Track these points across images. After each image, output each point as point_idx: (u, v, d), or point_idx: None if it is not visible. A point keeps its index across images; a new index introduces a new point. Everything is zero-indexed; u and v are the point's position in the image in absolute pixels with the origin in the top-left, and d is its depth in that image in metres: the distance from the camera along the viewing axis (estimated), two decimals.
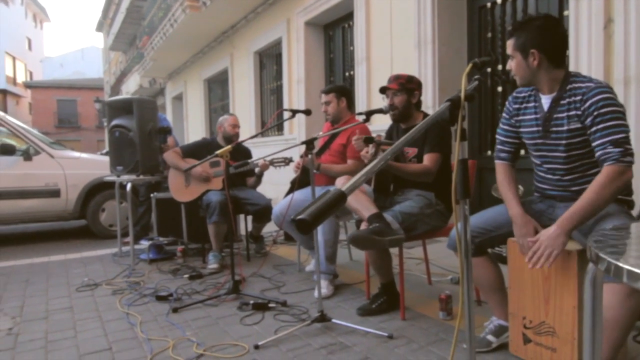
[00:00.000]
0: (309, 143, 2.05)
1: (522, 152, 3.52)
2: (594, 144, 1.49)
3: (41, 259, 3.84)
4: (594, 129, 1.48)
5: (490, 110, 3.90)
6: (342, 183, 2.27)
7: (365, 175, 0.69)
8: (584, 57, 2.85)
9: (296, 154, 5.35)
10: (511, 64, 1.62)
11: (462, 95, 0.88)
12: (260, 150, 5.55)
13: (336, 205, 0.61)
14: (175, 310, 2.40)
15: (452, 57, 4.03)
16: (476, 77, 1.03)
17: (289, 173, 3.84)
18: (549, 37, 1.56)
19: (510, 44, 1.60)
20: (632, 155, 1.45)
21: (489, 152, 3.91)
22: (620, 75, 2.70)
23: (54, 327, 2.25)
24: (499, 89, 3.82)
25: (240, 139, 3.44)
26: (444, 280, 2.76)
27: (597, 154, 1.48)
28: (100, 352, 1.95)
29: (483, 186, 3.89)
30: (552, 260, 1.47)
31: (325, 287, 2.55)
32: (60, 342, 2.07)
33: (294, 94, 6.27)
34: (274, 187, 6.09)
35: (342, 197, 0.62)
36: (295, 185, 2.82)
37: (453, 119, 0.88)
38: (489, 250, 1.83)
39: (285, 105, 6.40)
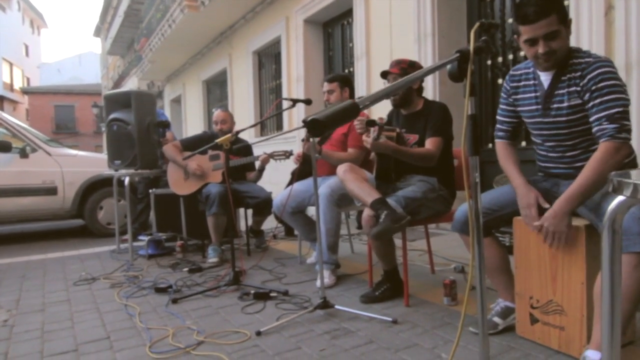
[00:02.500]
0: None
1: (524, 143, 3.56)
2: (591, 119, 1.47)
3: (38, 256, 3.79)
4: (590, 104, 1.46)
5: (490, 103, 3.88)
6: (343, 170, 2.24)
7: (386, 92, 0.66)
8: (584, 44, 2.83)
9: (296, 146, 5.30)
10: (551, 44, 1.48)
11: (471, 48, 0.86)
12: (260, 149, 5.52)
13: (348, 113, 0.58)
14: (174, 301, 2.36)
15: (452, 50, 3.99)
16: (483, 38, 1.00)
17: (288, 170, 3.83)
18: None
19: (552, 19, 1.44)
20: (628, 131, 1.42)
21: (490, 145, 3.89)
22: (621, 61, 2.69)
23: (51, 319, 2.20)
24: (499, 81, 3.80)
25: (241, 135, 3.41)
26: (448, 269, 2.73)
27: (594, 129, 1.46)
28: (98, 341, 1.91)
29: (484, 179, 3.87)
30: (564, 241, 1.48)
31: (327, 277, 2.51)
32: (56, 333, 2.02)
33: (294, 92, 6.25)
34: (274, 186, 6.05)
35: (354, 106, 0.59)
36: (295, 176, 2.80)
37: (462, 73, 0.85)
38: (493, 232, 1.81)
39: (285, 104, 6.39)
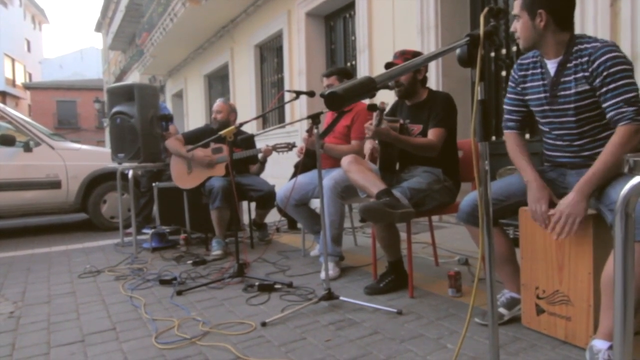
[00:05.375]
0: (315, 117, 2.01)
1: (527, 136, 3.54)
2: (605, 104, 1.46)
3: (42, 250, 3.81)
4: (604, 89, 1.45)
5: (494, 95, 3.86)
6: (348, 162, 2.23)
7: (401, 70, 0.65)
8: (590, 34, 2.81)
9: (299, 140, 5.31)
10: (516, 25, 1.58)
11: (481, 32, 0.85)
12: (262, 142, 5.51)
13: (365, 87, 0.57)
14: (179, 292, 2.36)
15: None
16: (492, 23, 0.99)
17: (291, 164, 3.83)
18: None
19: (517, 3, 1.56)
20: None
21: (494, 138, 3.88)
22: (627, 52, 2.66)
23: (56, 310, 2.21)
24: (503, 73, 3.78)
25: (243, 127, 3.40)
26: (451, 261, 2.73)
27: (610, 114, 1.45)
28: (104, 332, 1.92)
29: (489, 141, 3.85)
30: (576, 227, 1.45)
31: (331, 269, 2.51)
32: (62, 324, 2.03)
33: (296, 86, 6.24)
34: (276, 179, 6.05)
35: (371, 81, 0.59)
36: (299, 168, 2.79)
37: (472, 58, 0.84)
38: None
39: (288, 96, 6.37)
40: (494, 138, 3.87)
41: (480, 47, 0.85)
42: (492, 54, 3.85)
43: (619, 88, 1.42)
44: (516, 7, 1.57)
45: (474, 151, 0.92)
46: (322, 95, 0.60)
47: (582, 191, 1.44)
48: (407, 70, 0.75)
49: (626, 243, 0.68)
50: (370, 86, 0.58)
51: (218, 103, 3.59)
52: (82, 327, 1.98)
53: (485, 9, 0.96)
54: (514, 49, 3.68)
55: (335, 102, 0.59)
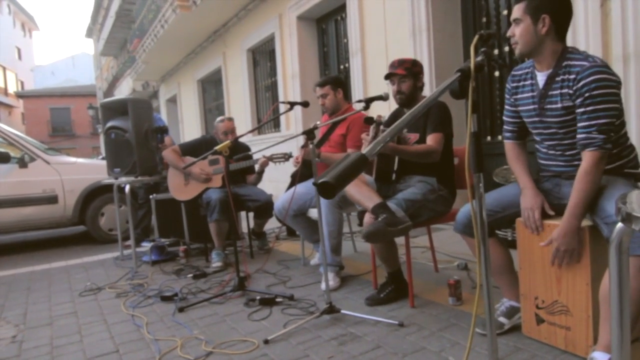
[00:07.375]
0: (309, 133, 2.02)
1: None
2: (579, 124, 1.48)
3: (42, 266, 3.79)
4: (582, 109, 1.46)
5: (488, 96, 3.87)
6: None
7: (384, 141, 0.66)
8: (581, 35, 2.82)
9: (295, 148, 5.30)
10: (514, 30, 1.56)
11: (472, 65, 0.85)
12: (257, 148, 5.51)
13: (358, 168, 0.58)
14: (181, 309, 2.37)
15: (448, 43, 4.01)
16: (482, 49, 1.00)
17: (288, 170, 3.82)
18: (563, 6, 1.53)
19: (520, 6, 1.53)
20: (612, 142, 1.45)
21: (488, 138, 3.89)
22: (618, 52, 2.68)
23: (59, 333, 2.21)
24: (496, 73, 3.79)
25: (238, 135, 3.39)
26: (451, 266, 2.74)
27: (580, 136, 1.47)
28: (108, 354, 1.92)
29: (484, 172, 3.87)
30: (576, 257, 1.49)
31: (331, 279, 2.52)
32: (66, 347, 2.03)
33: (289, 89, 6.23)
34: (273, 184, 6.06)
35: (363, 160, 0.59)
36: (297, 178, 2.79)
37: (463, 91, 0.85)
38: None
39: (282, 107, 6.36)
40: (488, 138, 3.89)
41: (472, 80, 0.85)
42: None
43: (595, 112, 1.43)
44: (517, 11, 1.54)
45: (468, 184, 0.93)
46: (314, 184, 0.60)
47: (569, 222, 1.47)
48: (395, 134, 0.75)
49: (621, 278, 0.69)
50: (362, 165, 0.59)
51: (227, 123, 3.48)
52: (85, 350, 1.99)
53: (476, 37, 0.96)
54: (506, 49, 3.68)
55: (328, 191, 0.59)
